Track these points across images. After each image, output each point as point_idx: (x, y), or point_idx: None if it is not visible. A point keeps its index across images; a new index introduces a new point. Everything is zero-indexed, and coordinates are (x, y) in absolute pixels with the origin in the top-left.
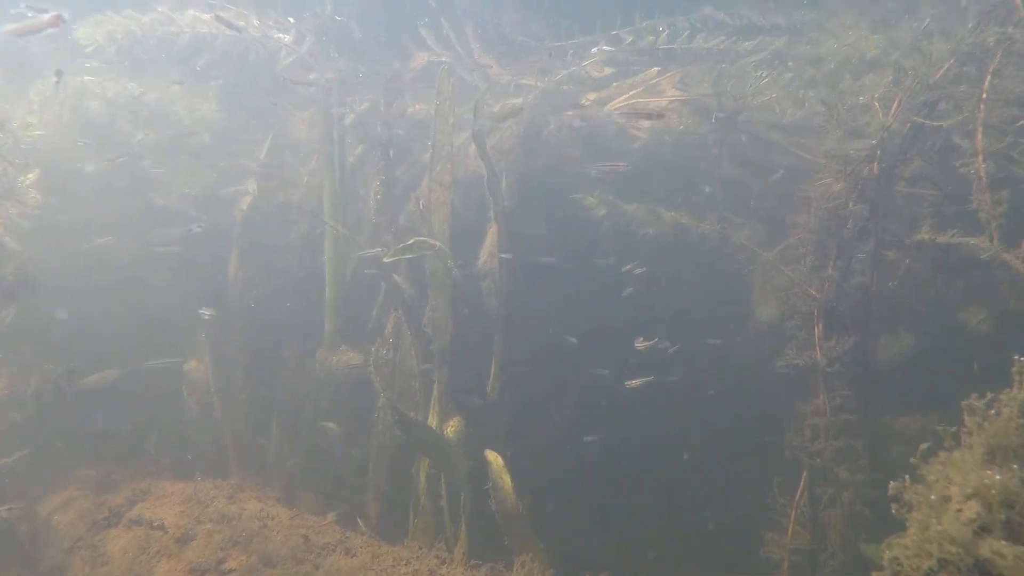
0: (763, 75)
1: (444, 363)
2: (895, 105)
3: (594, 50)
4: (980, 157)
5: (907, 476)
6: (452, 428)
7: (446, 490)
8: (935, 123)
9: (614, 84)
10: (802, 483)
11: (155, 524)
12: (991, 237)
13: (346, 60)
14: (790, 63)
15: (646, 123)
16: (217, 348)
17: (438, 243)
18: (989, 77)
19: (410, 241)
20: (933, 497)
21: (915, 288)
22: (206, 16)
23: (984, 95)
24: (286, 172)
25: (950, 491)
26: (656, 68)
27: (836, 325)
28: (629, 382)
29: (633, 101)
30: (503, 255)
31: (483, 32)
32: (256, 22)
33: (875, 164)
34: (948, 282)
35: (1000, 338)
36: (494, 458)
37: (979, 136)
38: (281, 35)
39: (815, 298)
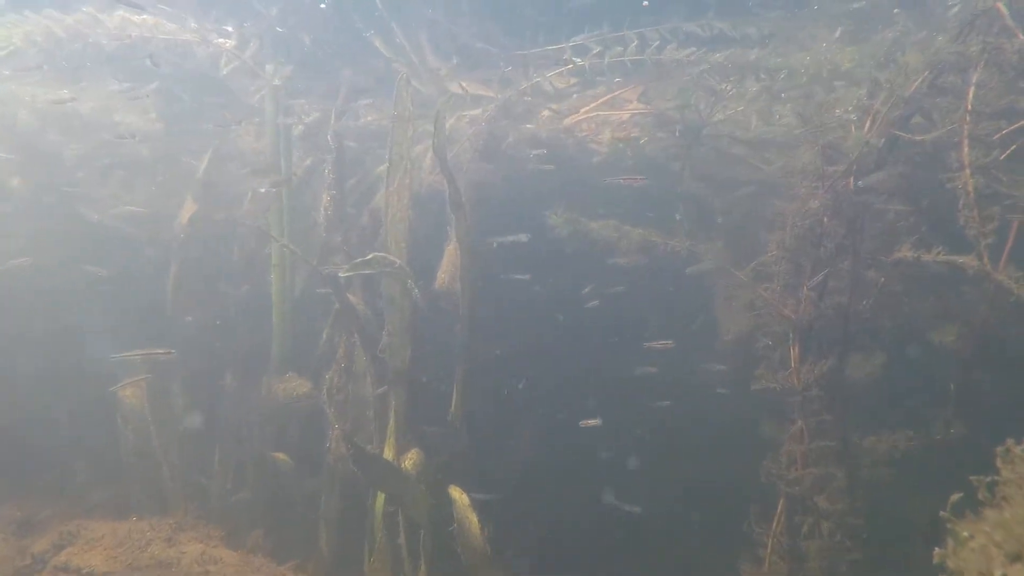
0: (729, 88)
1: (401, 390)
2: (870, 119)
3: (562, 59)
4: (967, 171)
5: (949, 542)
6: (410, 461)
7: (405, 527)
8: (918, 137)
9: (575, 95)
10: (779, 511)
11: (84, 572)
12: (980, 255)
13: (294, 68)
14: (762, 75)
15: (607, 137)
16: (154, 374)
17: (398, 260)
18: (973, 88)
19: (368, 256)
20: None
21: (888, 306)
22: (137, 18)
23: (969, 107)
24: (230, 185)
25: (993, 555)
26: (618, 79)
27: (812, 346)
28: (583, 422)
29: (595, 113)
30: (467, 277)
31: (438, 41)
32: (194, 24)
33: (851, 180)
34: (921, 300)
35: (970, 357)
36: (459, 495)
37: (965, 149)
38: (222, 40)
39: (790, 319)
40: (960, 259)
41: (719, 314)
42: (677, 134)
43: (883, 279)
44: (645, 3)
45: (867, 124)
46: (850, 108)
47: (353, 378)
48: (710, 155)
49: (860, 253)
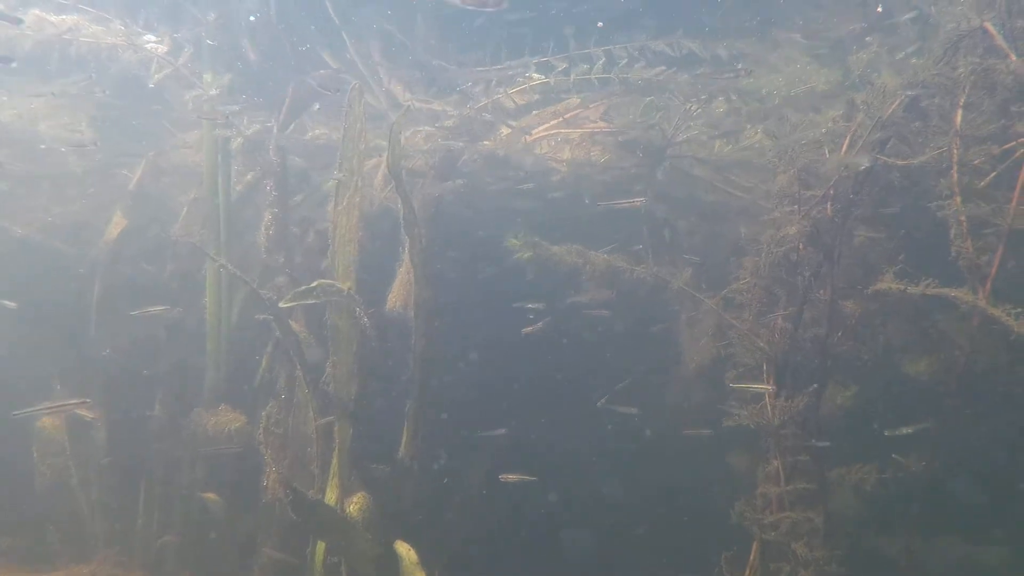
0: (695, 108)
1: (347, 426)
2: (847, 142)
3: (524, 76)
4: (958, 199)
5: None
6: (356, 505)
7: None
8: (901, 161)
9: (535, 112)
10: (752, 558)
11: None
12: (974, 289)
13: (236, 78)
14: (732, 96)
15: (566, 155)
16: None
17: (346, 286)
18: (961, 111)
19: (313, 284)
20: None
21: (865, 338)
22: (55, 17)
23: (958, 130)
24: (164, 200)
25: None
26: (579, 97)
27: (787, 380)
28: (504, 476)
29: (556, 131)
30: (421, 304)
31: (392, 54)
32: (120, 27)
33: (829, 205)
34: (897, 331)
35: (942, 389)
36: (406, 552)
37: (955, 175)
38: (153, 45)
39: (764, 350)
40: (952, 293)
41: (684, 341)
42: (640, 154)
43: (860, 310)
44: (600, 24)
45: (844, 147)
46: (825, 131)
47: (294, 411)
48: (674, 176)
49: (837, 282)
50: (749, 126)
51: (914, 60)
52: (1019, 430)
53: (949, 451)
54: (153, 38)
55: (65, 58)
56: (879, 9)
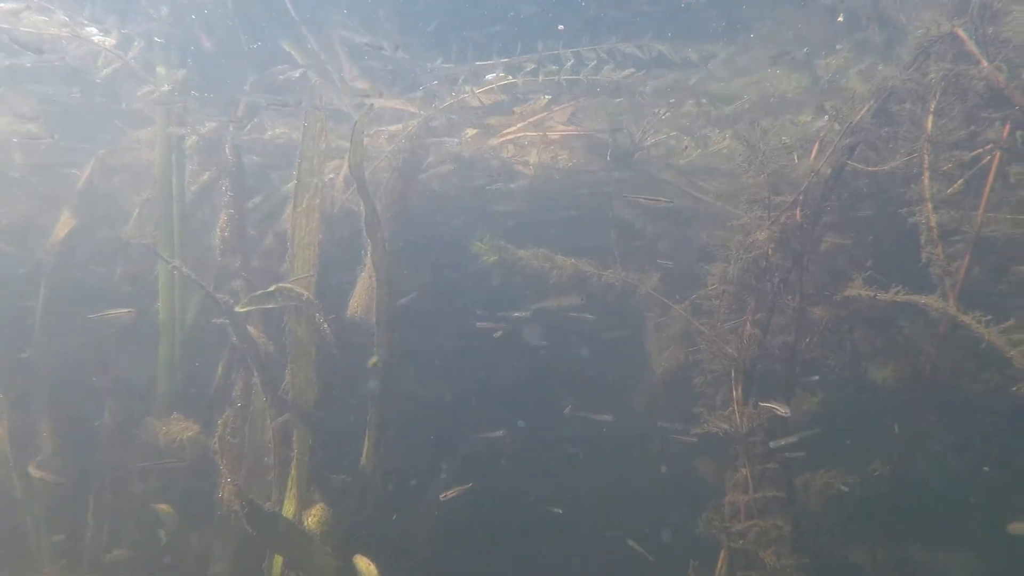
0: (663, 112)
1: (306, 435)
2: (816, 147)
3: (490, 76)
4: (929, 205)
5: None
6: (315, 518)
7: None
8: (870, 168)
9: (501, 114)
10: (720, 566)
11: None
12: (945, 296)
13: (191, 73)
14: (703, 100)
15: (533, 158)
16: (17, 411)
17: (305, 293)
18: (932, 117)
19: (271, 288)
20: None
21: (832, 344)
22: None
23: (928, 136)
24: (115, 200)
25: None
26: (547, 97)
27: (756, 387)
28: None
29: (522, 134)
30: (384, 310)
31: (355, 51)
32: (64, 18)
33: (799, 211)
34: (864, 337)
35: (907, 395)
36: (366, 567)
37: (926, 181)
38: (101, 38)
39: (733, 357)
40: (922, 300)
41: (650, 346)
42: (608, 158)
43: (829, 316)
44: (560, 27)
45: (813, 152)
46: (795, 136)
47: (251, 420)
48: (642, 180)
49: (806, 288)
50: (718, 131)
51: (881, 66)
52: (983, 435)
53: (914, 456)
54: (95, 30)
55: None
56: (840, 19)
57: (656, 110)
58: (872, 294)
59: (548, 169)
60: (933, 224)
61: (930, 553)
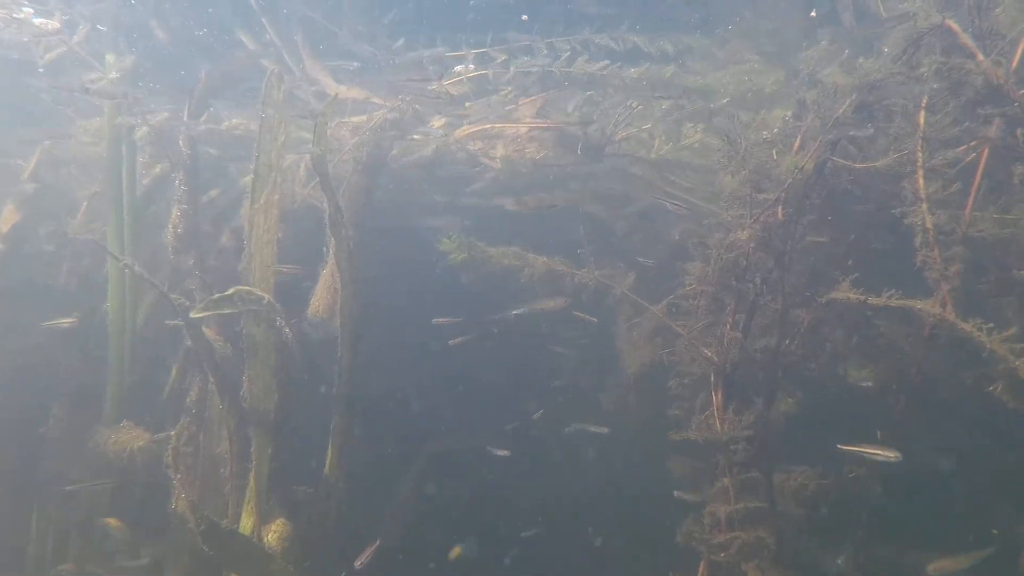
0: (636, 105)
1: (266, 443)
2: (797, 142)
3: (459, 67)
4: (924, 205)
5: None
6: (275, 534)
7: None
8: (859, 164)
9: (468, 104)
10: None
11: None
12: (943, 302)
13: (142, 61)
14: (679, 94)
15: (500, 151)
16: None
17: (265, 296)
18: (924, 112)
19: (229, 291)
20: None
21: (812, 347)
22: None
23: (921, 133)
24: (64, 193)
25: None
26: (516, 90)
27: (737, 392)
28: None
29: (490, 126)
30: (348, 311)
31: (317, 40)
32: None
33: (780, 209)
34: (843, 338)
35: (890, 398)
36: None
37: (920, 180)
38: (42, 21)
39: (712, 360)
40: (918, 305)
41: (620, 344)
42: (579, 152)
43: (811, 318)
44: (524, 17)
45: (795, 148)
46: (775, 130)
47: (207, 428)
48: (612, 175)
49: (788, 289)
50: (690, 124)
51: (861, 59)
52: (960, 436)
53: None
54: (32, 11)
55: None
56: (812, 14)
57: (629, 103)
58: (862, 298)
59: (514, 163)
60: (929, 226)
61: (910, 555)
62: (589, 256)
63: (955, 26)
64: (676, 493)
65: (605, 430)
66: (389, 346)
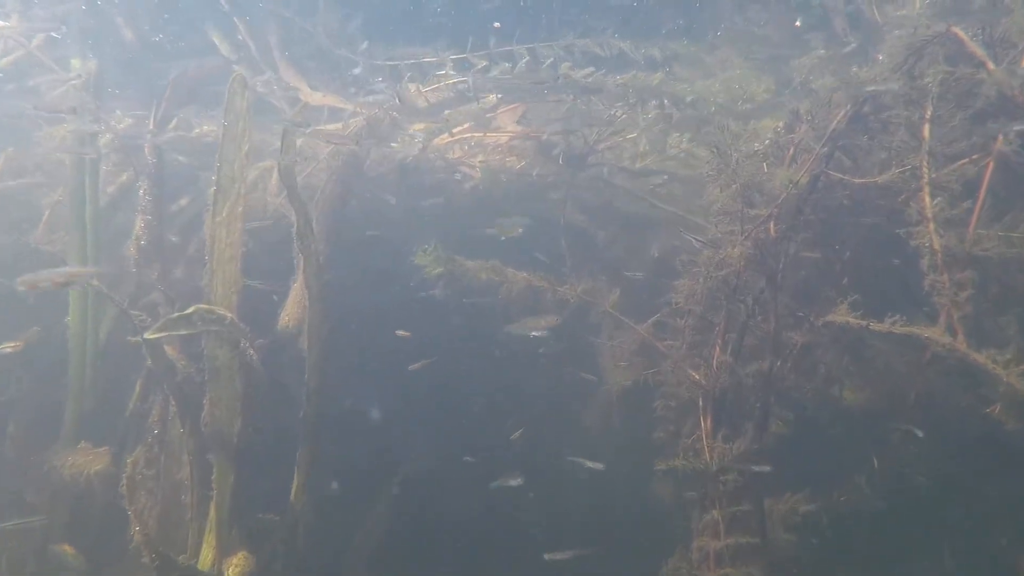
0: (620, 113)
1: (228, 470)
2: (789, 155)
3: (439, 73)
4: (932, 225)
5: None
6: (236, 568)
7: None
8: (858, 180)
9: (447, 112)
10: None
11: None
12: (952, 330)
13: (108, 65)
14: (666, 101)
15: (479, 161)
16: None
17: (228, 315)
18: (929, 125)
19: (188, 310)
20: None
21: (805, 369)
22: None
23: (926, 147)
24: (27, 202)
25: None
26: (497, 97)
27: (726, 418)
28: None
29: (469, 135)
30: (315, 331)
31: (291, 43)
32: None
33: (772, 225)
34: (836, 359)
35: (881, 419)
36: None
37: (927, 198)
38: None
39: (701, 384)
40: (925, 333)
41: (604, 360)
42: (560, 161)
43: (805, 340)
44: (496, 24)
45: (787, 161)
46: (767, 141)
47: (168, 451)
48: (594, 185)
49: (782, 311)
50: (677, 134)
51: (855, 68)
52: (952, 458)
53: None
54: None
55: None
56: (798, 23)
57: (612, 111)
58: (863, 323)
59: (494, 172)
60: (937, 247)
61: None
62: (571, 270)
63: (962, 34)
64: None
65: (600, 467)
66: (361, 362)
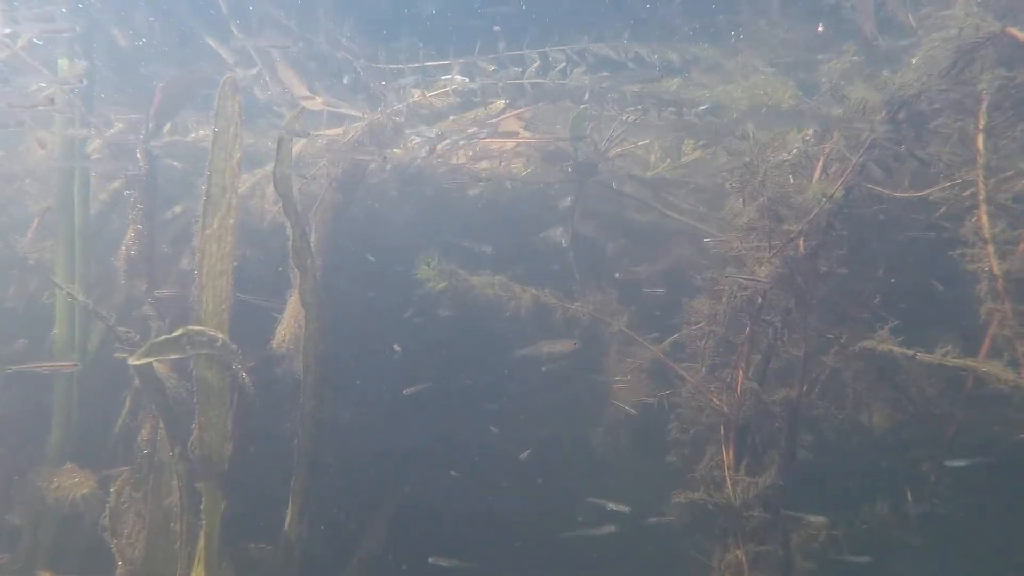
0: (631, 118)
1: (218, 496)
2: (819, 165)
3: (444, 77)
4: (991, 247)
5: None
6: None
7: None
8: (900, 194)
9: (452, 118)
10: None
11: None
12: (1017, 365)
13: (99, 67)
14: (684, 108)
15: (484, 167)
16: None
17: (220, 336)
18: (982, 135)
19: (177, 332)
20: None
21: (833, 394)
22: None
23: (981, 159)
24: (17, 210)
25: None
26: (504, 102)
27: (748, 446)
28: None
29: (474, 141)
30: (312, 351)
31: (290, 46)
32: None
33: (802, 242)
34: (865, 384)
35: (903, 441)
36: None
37: (984, 217)
38: None
39: (723, 412)
40: (983, 367)
41: (610, 377)
42: (569, 169)
43: (836, 364)
44: (496, 28)
45: (816, 172)
46: (794, 151)
47: (157, 474)
48: (603, 194)
49: (811, 333)
50: (692, 142)
51: (886, 73)
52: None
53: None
54: None
55: None
56: (820, 28)
57: (624, 117)
58: (908, 352)
59: (499, 179)
60: (998, 272)
61: None
62: (577, 279)
63: (1021, 35)
64: None
65: (626, 509)
66: (359, 379)
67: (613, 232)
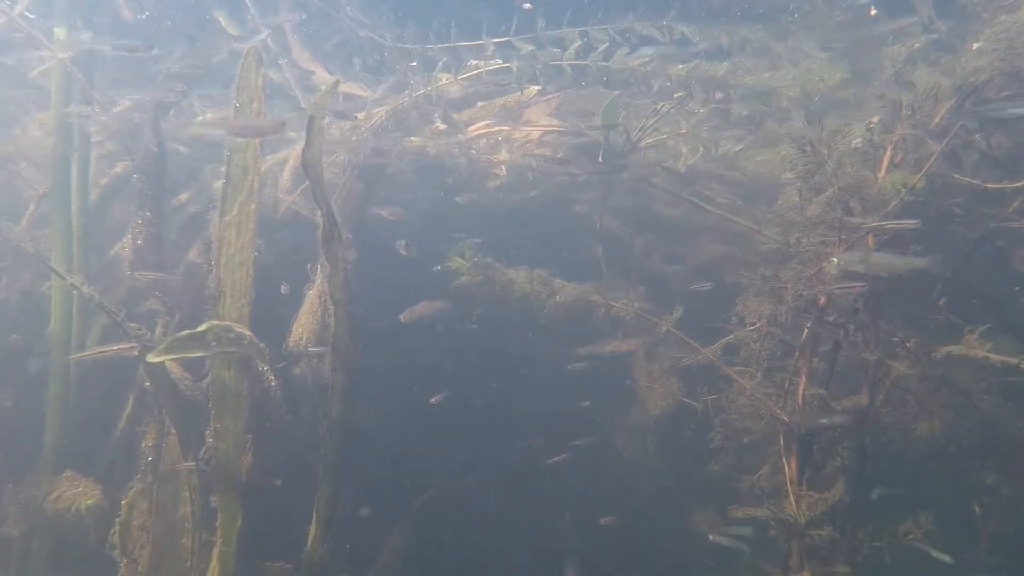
0: (666, 107)
1: (235, 510)
2: (887, 155)
3: (473, 61)
4: None
5: None
6: None
7: None
8: (994, 185)
9: (480, 104)
10: None
11: None
12: None
13: (98, 38)
14: (731, 92)
15: (503, 157)
16: None
17: (247, 333)
18: None
19: (202, 328)
20: None
21: (895, 401)
22: None
23: None
24: (16, 193)
25: None
26: (536, 87)
27: (812, 461)
28: None
29: (498, 128)
30: (340, 352)
31: (309, 22)
32: None
33: (872, 236)
34: (933, 396)
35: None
36: None
37: None
38: None
39: (783, 421)
40: None
41: (638, 379)
42: (600, 159)
43: (907, 372)
44: (527, 5)
45: (884, 163)
46: (858, 140)
47: (164, 485)
48: (631, 186)
49: (883, 337)
50: (731, 131)
51: (946, 59)
52: None
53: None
54: None
55: None
56: (872, 12)
57: (659, 105)
58: (1011, 360)
59: (521, 170)
60: None
61: None
62: (604, 275)
63: None
64: None
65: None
66: (381, 378)
67: (642, 227)
